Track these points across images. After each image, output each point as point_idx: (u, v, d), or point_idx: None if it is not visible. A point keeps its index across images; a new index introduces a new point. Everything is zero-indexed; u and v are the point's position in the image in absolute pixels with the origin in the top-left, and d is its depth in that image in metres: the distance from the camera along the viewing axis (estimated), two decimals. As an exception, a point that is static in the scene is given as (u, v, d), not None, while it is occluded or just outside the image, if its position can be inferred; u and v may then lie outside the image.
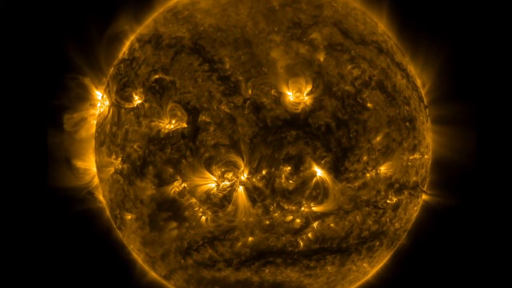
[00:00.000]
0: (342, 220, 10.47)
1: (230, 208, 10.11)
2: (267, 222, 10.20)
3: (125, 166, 10.74)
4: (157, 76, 10.44)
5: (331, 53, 10.35)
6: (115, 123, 10.93)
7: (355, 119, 10.18)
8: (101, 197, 11.83)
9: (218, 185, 10.08)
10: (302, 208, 10.18)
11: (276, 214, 10.15)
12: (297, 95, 10.01)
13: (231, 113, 9.93)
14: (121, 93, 10.82)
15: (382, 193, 10.64)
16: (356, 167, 10.23)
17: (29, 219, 12.09)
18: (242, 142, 9.88)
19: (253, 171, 9.93)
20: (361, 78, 10.38)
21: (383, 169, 10.55)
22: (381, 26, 11.65)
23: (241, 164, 9.91)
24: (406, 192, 11.03)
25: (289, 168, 9.94)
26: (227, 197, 10.09)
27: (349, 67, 10.36)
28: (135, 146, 10.50)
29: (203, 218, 10.30)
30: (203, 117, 9.99)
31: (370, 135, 10.30)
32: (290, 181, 10.01)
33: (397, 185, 10.81)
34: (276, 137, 9.89)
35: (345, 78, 10.27)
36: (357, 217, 10.56)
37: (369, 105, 10.36)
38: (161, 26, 10.96)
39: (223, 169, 9.98)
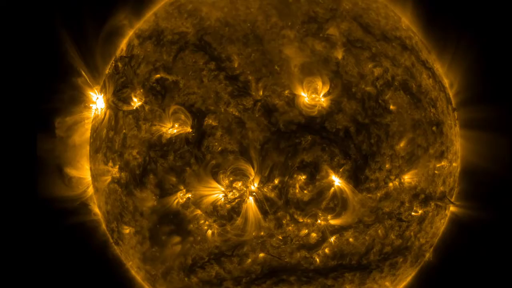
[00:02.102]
0: (362, 234, 10.36)
1: (239, 221, 10.00)
2: (280, 237, 10.08)
3: (123, 174, 10.62)
4: (158, 76, 10.34)
5: (350, 50, 10.24)
6: (112, 127, 10.81)
7: (376, 123, 10.07)
8: (97, 209, 11.70)
9: (225, 196, 9.95)
10: (318, 221, 10.07)
11: (290, 227, 10.03)
12: (312, 96, 9.92)
13: (240, 117, 9.83)
14: (118, 94, 10.68)
15: (406, 204, 10.53)
16: (377, 176, 10.12)
17: (17, 233, 11.98)
18: (252, 148, 9.77)
19: (265, 180, 9.81)
20: (383, 78, 10.28)
21: (407, 178, 10.44)
22: (404, 21, 11.55)
23: (251, 172, 9.77)
24: (432, 204, 10.92)
25: (304, 177, 9.83)
26: (235, 208, 9.98)
27: (370, 65, 10.27)
28: (134, 153, 10.39)
29: (209, 232, 10.18)
30: (209, 121, 9.89)
31: (393, 141, 10.19)
32: (305, 191, 9.89)
33: (422, 196, 10.71)
34: (290, 142, 9.78)
35: (365, 78, 10.18)
36: (379, 231, 10.48)
37: (392, 107, 10.26)
38: (163, 21, 10.86)
39: (231, 178, 9.85)
